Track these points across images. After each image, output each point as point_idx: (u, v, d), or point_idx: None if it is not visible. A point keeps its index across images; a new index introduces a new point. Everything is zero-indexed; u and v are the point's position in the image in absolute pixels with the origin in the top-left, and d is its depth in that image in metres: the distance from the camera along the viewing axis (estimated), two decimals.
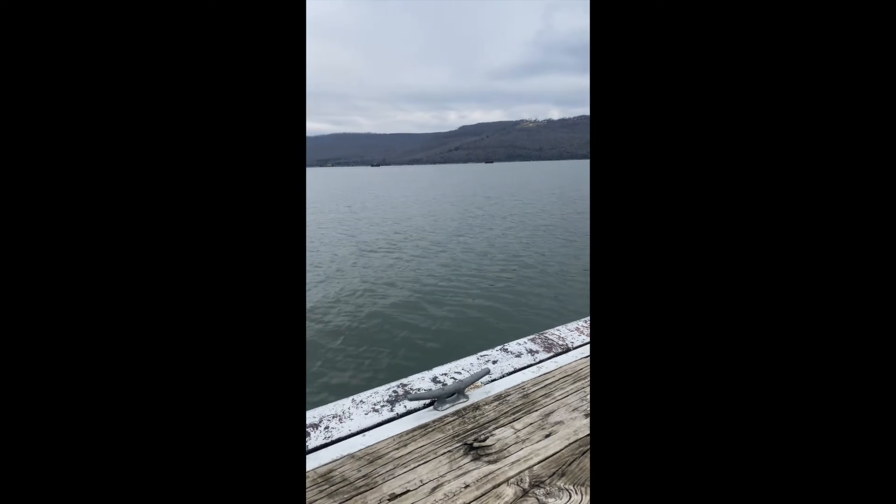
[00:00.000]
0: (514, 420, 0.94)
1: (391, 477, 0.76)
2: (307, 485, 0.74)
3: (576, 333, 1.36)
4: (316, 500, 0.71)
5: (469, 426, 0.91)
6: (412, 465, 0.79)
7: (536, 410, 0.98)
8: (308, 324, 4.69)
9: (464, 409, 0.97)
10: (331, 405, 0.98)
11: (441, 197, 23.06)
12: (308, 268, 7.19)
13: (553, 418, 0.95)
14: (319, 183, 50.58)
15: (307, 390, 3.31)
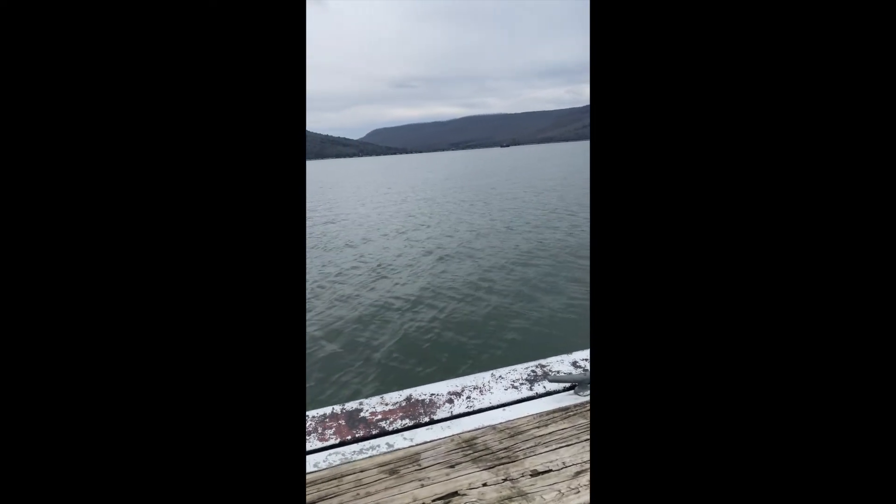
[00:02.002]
0: None
1: (532, 454, 0.76)
2: (451, 448, 0.77)
3: None
4: (461, 463, 0.74)
5: None
6: (554, 446, 0.78)
7: None
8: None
9: None
10: (472, 377, 1.02)
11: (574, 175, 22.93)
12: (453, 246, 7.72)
13: None
14: (457, 165, 52.13)
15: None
